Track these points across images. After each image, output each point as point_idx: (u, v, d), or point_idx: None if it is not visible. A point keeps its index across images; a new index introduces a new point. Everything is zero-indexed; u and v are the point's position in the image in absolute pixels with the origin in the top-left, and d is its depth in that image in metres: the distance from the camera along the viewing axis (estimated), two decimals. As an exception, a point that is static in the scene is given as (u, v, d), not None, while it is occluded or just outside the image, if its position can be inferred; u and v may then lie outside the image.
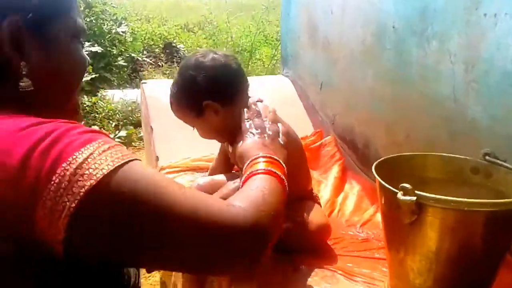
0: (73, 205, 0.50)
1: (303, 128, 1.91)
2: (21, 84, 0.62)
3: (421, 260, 0.87)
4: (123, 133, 4.24)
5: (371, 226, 1.37)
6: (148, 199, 0.54)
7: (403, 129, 1.49)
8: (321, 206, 1.29)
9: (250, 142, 0.90)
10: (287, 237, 1.07)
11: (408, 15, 1.41)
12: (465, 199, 0.78)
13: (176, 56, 7.04)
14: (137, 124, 4.77)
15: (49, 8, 0.65)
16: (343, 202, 1.50)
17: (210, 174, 1.42)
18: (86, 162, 0.52)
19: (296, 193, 1.17)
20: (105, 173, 0.52)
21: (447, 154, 1.06)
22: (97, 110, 4.50)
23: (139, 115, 4.85)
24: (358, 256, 1.20)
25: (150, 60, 6.86)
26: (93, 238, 0.53)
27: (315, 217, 1.16)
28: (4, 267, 0.52)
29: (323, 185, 1.60)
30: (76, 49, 0.70)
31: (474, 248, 0.83)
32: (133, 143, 4.33)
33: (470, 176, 1.03)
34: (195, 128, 1.22)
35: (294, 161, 1.09)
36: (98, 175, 0.52)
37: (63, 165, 0.51)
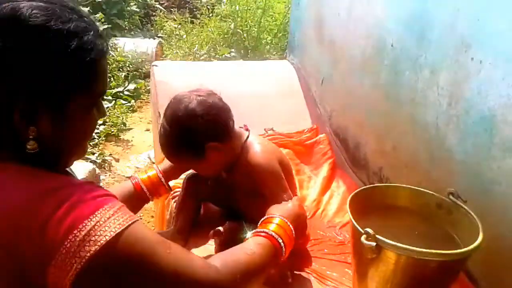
0: (79, 266, 0.62)
1: (301, 120, 2.03)
2: (27, 146, 0.70)
3: (378, 284, 1.03)
4: (132, 86, 4.35)
5: (349, 228, 1.53)
6: (139, 264, 0.67)
7: (390, 141, 1.61)
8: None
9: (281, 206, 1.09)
10: None
11: (406, 38, 1.49)
12: (416, 249, 0.93)
13: (188, 2, 6.96)
14: (146, 75, 4.85)
15: (65, 91, 0.71)
16: (328, 202, 1.64)
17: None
18: (93, 229, 0.64)
19: None
20: (108, 239, 0.64)
21: (417, 188, 1.20)
22: (108, 61, 4.56)
23: (148, 67, 4.92)
24: (332, 259, 1.36)
25: (162, 5, 6.80)
26: None
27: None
28: None
29: (313, 181, 1.75)
30: (91, 118, 0.79)
31: (421, 284, 0.99)
32: (141, 96, 4.45)
33: (435, 211, 1.17)
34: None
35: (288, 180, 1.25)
36: (101, 242, 0.63)
37: (74, 232, 0.63)
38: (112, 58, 4.61)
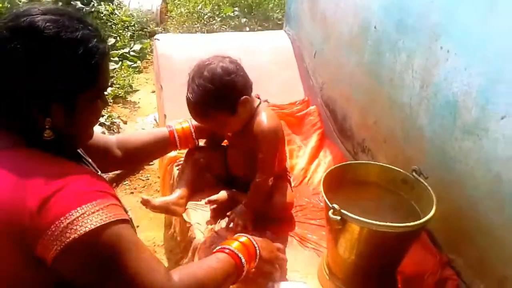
0: (59, 248, 0.77)
1: (295, 91, 2.16)
2: (44, 135, 0.87)
3: (345, 249, 1.21)
4: (137, 46, 4.44)
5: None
6: (108, 259, 0.81)
7: (372, 116, 1.75)
8: (291, 184, 1.60)
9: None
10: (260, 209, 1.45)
11: (387, 22, 1.59)
12: (374, 222, 1.09)
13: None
14: (152, 34, 4.92)
15: (74, 89, 0.88)
16: (314, 170, 1.81)
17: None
18: (77, 220, 0.78)
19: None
20: (86, 231, 0.78)
21: (385, 165, 1.36)
22: (113, 20, 4.63)
23: (154, 25, 4.98)
24: (313, 224, 1.55)
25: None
26: (67, 270, 0.81)
27: (282, 197, 1.49)
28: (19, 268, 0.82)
29: (302, 151, 1.91)
30: (96, 109, 0.97)
31: (381, 249, 1.17)
32: (147, 56, 4.54)
33: (400, 185, 1.33)
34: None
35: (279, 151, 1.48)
36: (80, 232, 0.78)
37: (61, 218, 0.78)
38: (118, 17, 4.68)
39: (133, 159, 1.46)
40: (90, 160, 1.10)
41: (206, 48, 2.12)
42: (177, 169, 1.71)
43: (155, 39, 2.20)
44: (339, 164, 1.37)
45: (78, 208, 0.79)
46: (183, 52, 2.13)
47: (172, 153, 1.70)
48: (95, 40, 0.89)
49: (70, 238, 0.77)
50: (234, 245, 1.12)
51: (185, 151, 1.61)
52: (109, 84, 1.01)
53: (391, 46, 1.57)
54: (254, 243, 1.17)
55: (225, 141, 1.62)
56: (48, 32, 0.83)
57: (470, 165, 1.28)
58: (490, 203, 1.24)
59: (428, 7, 1.38)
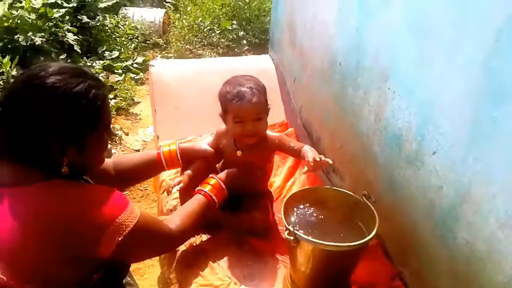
0: (119, 239, 1.12)
1: (277, 113, 2.37)
2: (62, 170, 1.12)
3: (302, 263, 1.43)
4: (140, 59, 4.67)
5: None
6: (144, 233, 1.23)
7: (339, 141, 1.97)
8: (272, 203, 1.83)
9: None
10: (241, 224, 1.70)
11: (349, 60, 1.81)
12: (322, 242, 1.31)
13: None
14: (154, 46, 5.16)
15: (84, 132, 1.12)
16: (289, 187, 2.03)
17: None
18: (125, 220, 1.14)
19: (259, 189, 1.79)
20: (132, 225, 1.15)
21: (340, 189, 1.58)
22: (118, 33, 4.87)
23: (157, 37, 5.22)
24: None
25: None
26: (126, 252, 1.19)
27: (262, 215, 1.72)
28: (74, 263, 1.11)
29: (280, 169, 2.12)
30: (104, 142, 1.22)
31: (331, 263, 1.39)
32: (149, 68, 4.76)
33: (352, 207, 1.55)
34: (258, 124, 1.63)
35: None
36: (130, 226, 1.15)
37: (116, 220, 1.12)
38: (122, 31, 4.91)
39: (125, 179, 1.67)
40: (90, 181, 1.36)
41: (199, 71, 2.35)
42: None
43: (150, 65, 2.43)
44: (299, 189, 1.58)
45: (124, 211, 1.15)
46: (176, 77, 2.36)
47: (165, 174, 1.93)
48: (95, 89, 1.12)
49: (126, 231, 1.13)
50: (207, 189, 1.56)
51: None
52: (111, 119, 1.27)
53: (353, 81, 1.78)
54: (221, 182, 1.60)
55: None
56: (55, 91, 1.07)
57: (411, 190, 1.50)
58: (426, 224, 1.45)
59: (378, 51, 1.59)
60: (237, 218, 1.73)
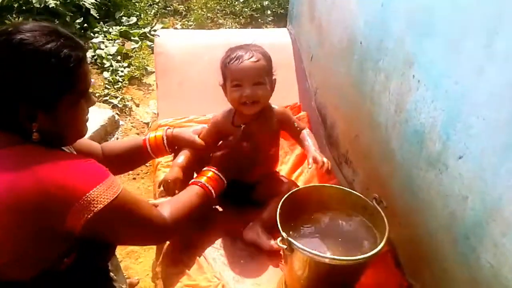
0: (88, 216, 0.97)
1: (290, 93, 2.18)
2: (33, 137, 1.01)
3: (296, 272, 1.25)
4: (158, 26, 4.48)
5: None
6: (123, 215, 1.09)
7: (354, 129, 1.76)
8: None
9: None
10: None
11: (370, 40, 1.58)
12: (318, 253, 1.13)
13: None
14: (176, 13, 4.96)
15: (54, 94, 1.00)
16: (296, 179, 1.84)
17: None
18: (99, 195, 0.99)
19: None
20: (104, 203, 1.00)
21: (347, 189, 1.38)
22: (137, -2, 4.67)
23: (178, 3, 5.00)
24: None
25: None
26: (98, 232, 1.04)
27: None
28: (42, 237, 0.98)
29: (287, 157, 1.94)
30: (80, 109, 1.07)
31: (329, 276, 1.21)
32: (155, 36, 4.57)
33: (361, 211, 1.35)
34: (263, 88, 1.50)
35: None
36: (100, 206, 0.99)
37: (87, 194, 0.97)
38: (143, -5, 4.70)
39: (113, 166, 1.52)
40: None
41: (207, 45, 2.15)
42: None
43: (155, 35, 2.24)
44: (303, 186, 1.40)
45: (98, 186, 1.00)
46: (181, 49, 2.17)
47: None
48: (68, 49, 1.00)
49: (97, 208, 0.98)
50: (203, 179, 1.42)
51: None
52: (90, 84, 1.11)
53: (373, 64, 1.56)
54: (218, 173, 1.45)
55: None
56: (22, 48, 0.96)
57: (431, 196, 1.29)
58: (445, 237, 1.25)
59: (404, 33, 1.36)
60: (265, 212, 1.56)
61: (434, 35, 1.22)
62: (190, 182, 1.43)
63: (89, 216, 0.98)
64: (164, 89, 2.06)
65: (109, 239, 1.15)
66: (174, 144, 1.57)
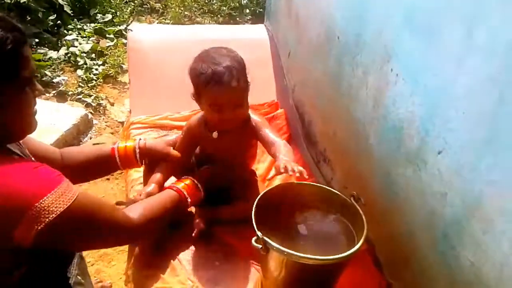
0: (39, 227, 0.88)
1: (266, 91, 2.13)
2: None
3: (272, 274, 1.21)
4: (134, 24, 4.39)
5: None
6: (85, 224, 1.00)
7: (332, 126, 1.72)
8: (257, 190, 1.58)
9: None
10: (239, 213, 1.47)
11: (348, 34, 1.54)
12: (294, 253, 1.08)
13: None
14: (152, 10, 4.87)
15: None
16: (272, 178, 1.79)
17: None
18: (51, 203, 0.90)
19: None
20: (58, 212, 0.91)
21: (326, 187, 1.33)
22: (113, -6, 4.57)
23: (155, 1, 4.92)
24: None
25: None
26: (53, 242, 0.95)
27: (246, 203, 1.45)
28: None
29: (265, 156, 1.88)
30: (26, 98, 0.97)
31: (306, 276, 1.16)
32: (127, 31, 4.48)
33: (338, 208, 1.31)
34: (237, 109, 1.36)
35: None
36: (53, 216, 0.90)
37: (36, 203, 0.88)
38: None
39: (74, 174, 1.34)
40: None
41: (182, 40, 2.08)
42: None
43: (128, 29, 2.17)
44: (282, 183, 1.35)
45: (48, 194, 0.90)
46: (155, 45, 2.10)
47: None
48: (4, 31, 0.89)
49: (50, 218, 0.89)
50: (180, 186, 1.37)
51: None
52: (34, 72, 0.99)
53: (351, 59, 1.52)
54: (196, 182, 1.41)
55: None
56: None
57: (409, 194, 1.26)
58: (425, 235, 1.22)
59: (382, 25, 1.33)
60: (235, 207, 1.51)
61: (412, 26, 1.19)
62: (166, 186, 1.38)
63: (40, 228, 0.88)
64: (137, 85, 1.99)
65: (68, 248, 1.07)
66: (146, 157, 1.46)
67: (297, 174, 1.18)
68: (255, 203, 1.22)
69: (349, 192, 1.27)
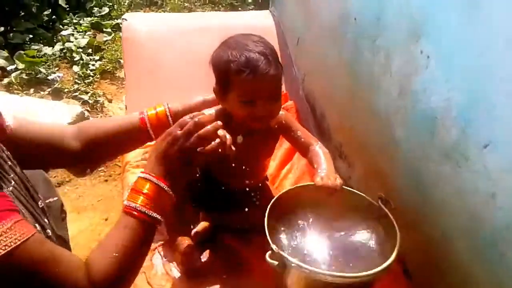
0: None
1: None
2: None
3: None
4: (132, 17, 4.22)
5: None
6: (28, 279, 0.75)
7: (349, 119, 1.55)
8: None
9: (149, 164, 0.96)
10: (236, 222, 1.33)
11: (366, 14, 1.36)
12: (318, 270, 0.92)
13: None
14: (151, 2, 4.70)
15: None
16: (285, 176, 1.62)
17: None
18: None
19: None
20: None
21: (348, 188, 1.16)
22: (110, -14, 4.40)
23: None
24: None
25: None
26: None
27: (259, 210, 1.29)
28: None
29: (275, 151, 1.72)
30: None
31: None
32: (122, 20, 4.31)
33: (363, 214, 1.14)
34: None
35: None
36: None
37: None
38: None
39: (94, 153, 1.17)
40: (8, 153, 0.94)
41: (181, 29, 1.92)
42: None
43: (122, 19, 2.00)
44: (296, 185, 1.18)
45: None
46: (152, 34, 1.93)
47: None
48: None
49: None
50: (140, 201, 0.91)
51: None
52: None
53: (370, 43, 1.35)
54: (158, 183, 0.93)
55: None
56: None
57: (447, 195, 1.09)
58: (466, 242, 1.05)
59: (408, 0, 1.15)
60: (231, 216, 1.35)
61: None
62: (124, 204, 0.93)
63: None
64: (133, 78, 1.82)
65: None
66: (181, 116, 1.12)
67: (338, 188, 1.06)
68: (267, 210, 1.06)
69: (372, 192, 1.11)
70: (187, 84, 1.76)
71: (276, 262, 0.93)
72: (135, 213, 0.90)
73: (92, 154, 1.16)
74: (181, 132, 0.94)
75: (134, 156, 1.59)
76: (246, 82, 1.08)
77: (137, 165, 1.57)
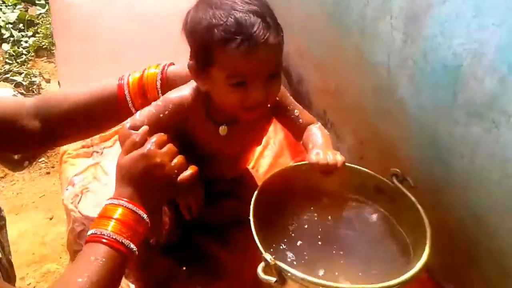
0: None
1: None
2: None
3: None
4: None
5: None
6: None
7: (334, 78, 1.29)
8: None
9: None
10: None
11: None
12: (322, 282, 0.66)
13: None
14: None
15: None
16: (260, 154, 1.35)
17: None
18: None
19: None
20: None
21: (350, 165, 0.90)
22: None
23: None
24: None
25: None
26: None
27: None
28: None
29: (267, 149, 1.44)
30: None
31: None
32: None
33: (372, 195, 0.89)
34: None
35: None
36: None
37: None
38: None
39: (58, 133, 0.94)
40: None
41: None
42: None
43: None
44: (285, 167, 0.91)
45: None
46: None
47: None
48: None
49: None
50: (110, 227, 0.72)
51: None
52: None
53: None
54: (131, 207, 0.74)
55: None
56: None
57: (477, 163, 0.86)
58: (504, 221, 0.82)
59: None
60: (223, 207, 1.07)
61: None
62: (88, 234, 0.73)
63: None
64: (64, 47, 1.48)
65: None
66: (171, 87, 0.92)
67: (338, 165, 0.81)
68: (252, 206, 0.78)
69: (370, 168, 0.85)
70: (128, 53, 1.45)
71: (273, 279, 0.66)
72: (105, 241, 0.70)
73: (56, 134, 0.93)
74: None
75: (75, 148, 1.28)
76: (236, 55, 0.76)
77: (77, 154, 1.26)
